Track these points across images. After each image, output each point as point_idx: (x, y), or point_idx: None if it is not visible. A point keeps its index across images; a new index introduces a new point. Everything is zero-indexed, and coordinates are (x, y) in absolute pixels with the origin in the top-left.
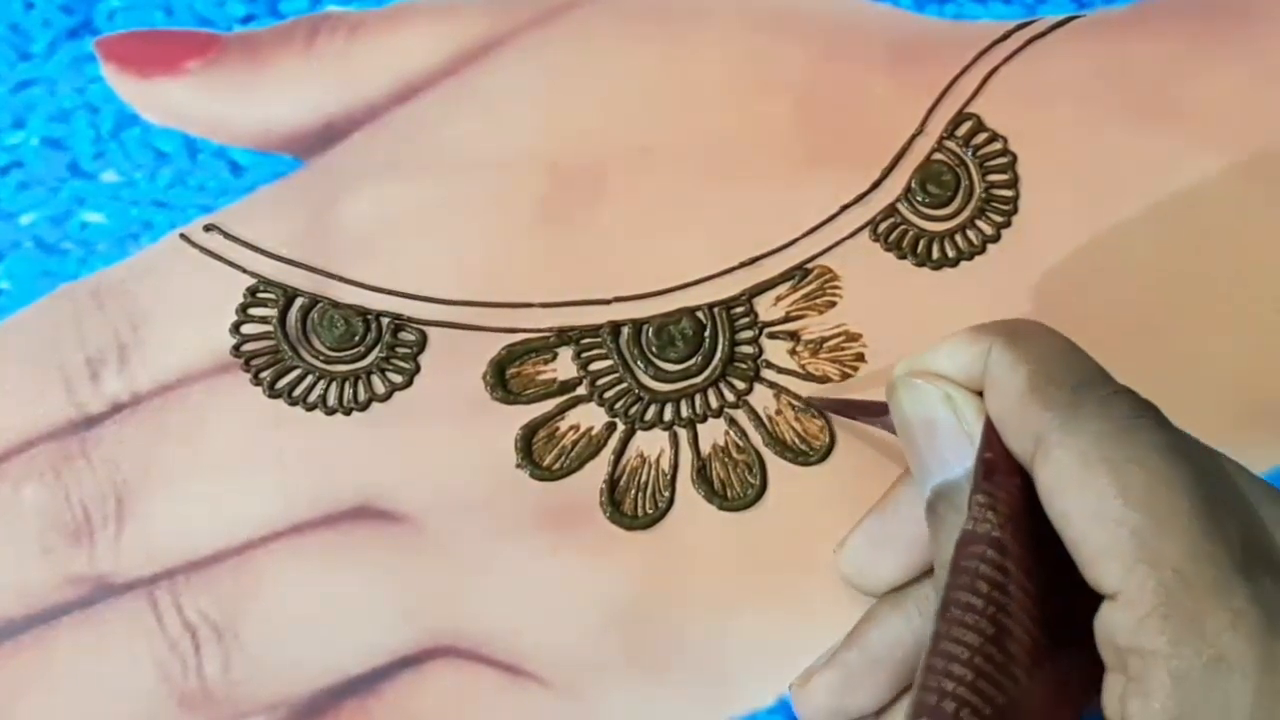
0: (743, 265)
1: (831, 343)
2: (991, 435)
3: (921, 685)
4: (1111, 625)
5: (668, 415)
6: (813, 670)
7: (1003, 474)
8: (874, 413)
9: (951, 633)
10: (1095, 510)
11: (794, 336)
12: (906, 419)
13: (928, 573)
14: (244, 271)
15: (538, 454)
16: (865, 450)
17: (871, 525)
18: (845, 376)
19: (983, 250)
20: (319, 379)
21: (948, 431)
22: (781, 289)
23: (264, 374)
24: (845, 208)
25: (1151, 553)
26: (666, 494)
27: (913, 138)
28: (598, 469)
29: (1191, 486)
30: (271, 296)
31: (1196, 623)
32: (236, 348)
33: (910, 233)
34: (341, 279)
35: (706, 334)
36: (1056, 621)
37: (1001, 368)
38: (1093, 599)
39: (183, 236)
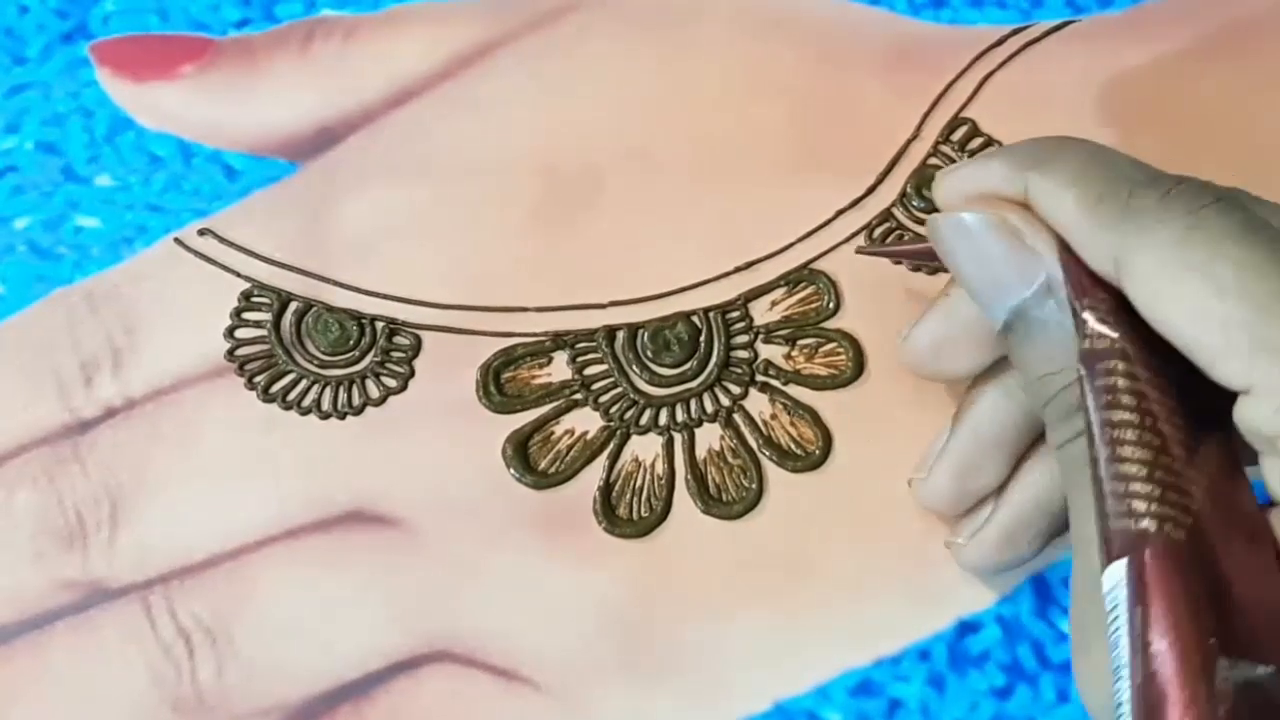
0: (738, 270)
1: (827, 347)
2: (1067, 256)
3: (1111, 514)
4: (1252, 418)
5: (663, 420)
6: (928, 461)
7: (1093, 288)
8: (929, 254)
9: (1119, 453)
10: (1196, 316)
11: (789, 341)
12: (962, 253)
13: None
14: (238, 276)
15: (533, 458)
16: (861, 454)
17: (935, 326)
18: (840, 382)
19: None
20: (313, 383)
21: (1011, 254)
22: (777, 294)
23: (258, 378)
24: (840, 212)
25: (1265, 340)
26: (661, 499)
27: (908, 142)
28: (592, 474)
29: (1278, 260)
30: (266, 301)
31: None
32: (230, 352)
33: (906, 237)
34: (336, 283)
35: (702, 338)
36: (1196, 414)
37: (1047, 198)
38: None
39: (177, 241)
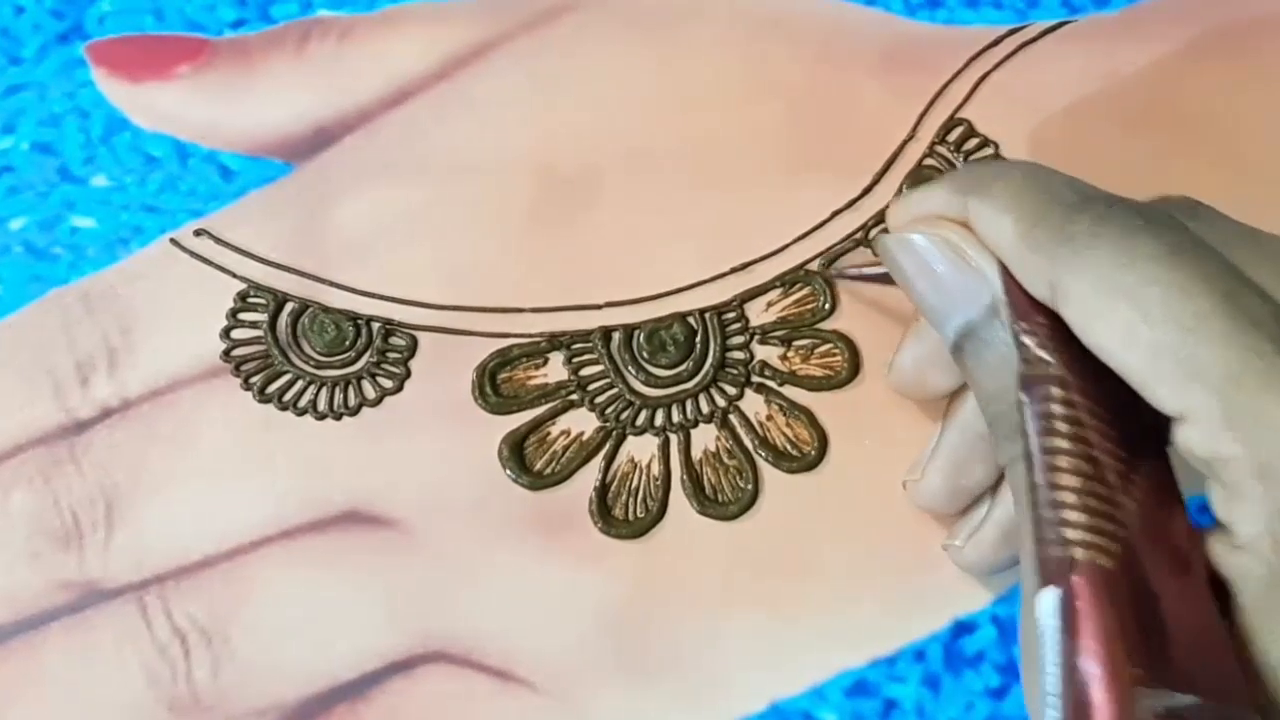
0: (734, 271)
1: (823, 348)
2: (1008, 280)
3: (1040, 541)
4: (1186, 442)
5: (659, 421)
6: (920, 462)
7: (1032, 312)
8: (881, 279)
9: (1054, 480)
10: (1127, 342)
11: (785, 342)
12: (910, 272)
13: None
14: (234, 276)
15: (529, 459)
16: (857, 455)
17: (914, 350)
18: (836, 383)
19: None
20: (309, 384)
21: (956, 273)
22: (773, 294)
23: (254, 379)
24: (837, 213)
25: (1194, 367)
26: (657, 499)
27: (904, 143)
28: (588, 475)
29: (1206, 283)
30: (262, 301)
31: (1263, 416)
32: (226, 352)
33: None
34: (332, 284)
35: (698, 339)
36: (1131, 438)
37: (986, 222)
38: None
39: (173, 241)
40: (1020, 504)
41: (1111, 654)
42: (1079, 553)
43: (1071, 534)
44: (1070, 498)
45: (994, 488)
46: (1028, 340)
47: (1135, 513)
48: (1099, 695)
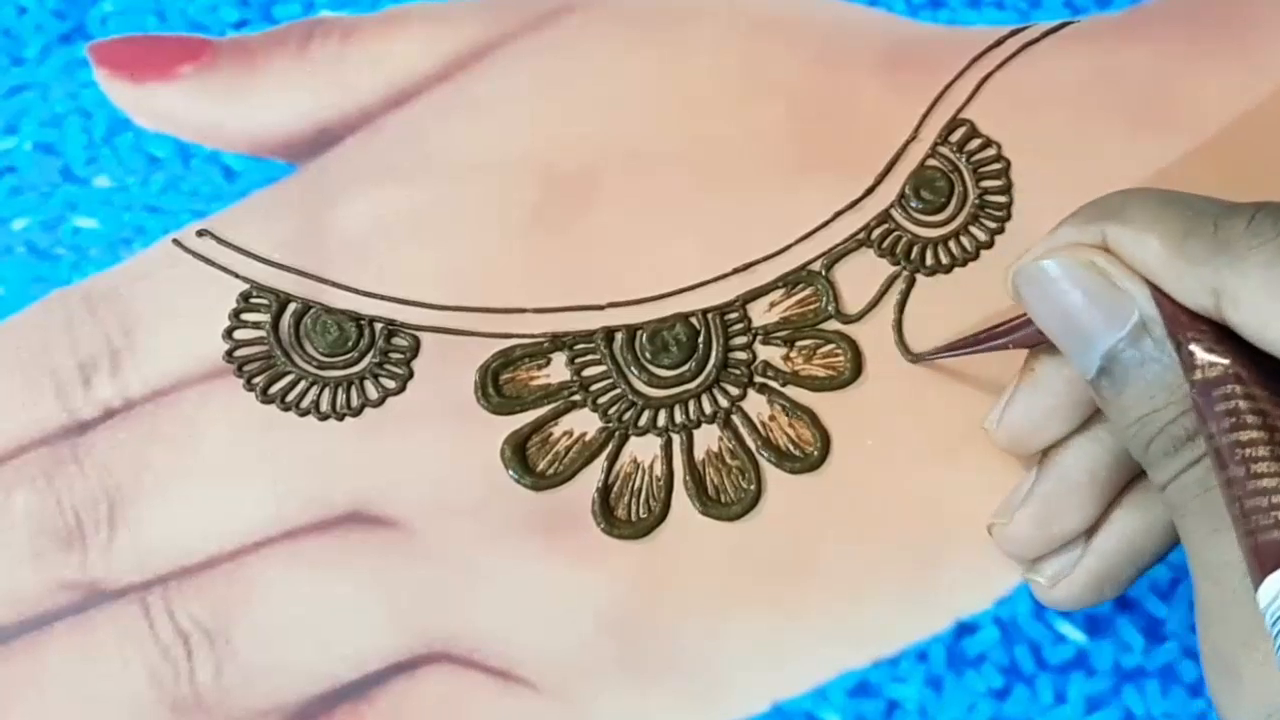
0: (736, 271)
1: (825, 349)
2: (1159, 295)
3: (1251, 531)
4: None
5: (661, 421)
6: (1010, 507)
7: (1192, 322)
8: (990, 339)
9: (1255, 470)
10: None
11: (788, 342)
12: (1048, 304)
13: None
14: (237, 276)
15: (531, 460)
16: (860, 455)
17: (1028, 402)
18: (838, 384)
19: (976, 256)
20: (312, 384)
21: (1100, 296)
22: (775, 295)
23: (256, 379)
24: (839, 214)
25: None
26: (660, 500)
27: (906, 143)
28: (590, 475)
29: None
30: (264, 302)
31: None
32: (229, 353)
33: (904, 239)
34: (334, 284)
35: (700, 340)
36: None
37: (1130, 245)
38: None
39: (175, 242)
40: (1193, 513)
41: None
42: None
43: None
44: (1274, 483)
45: (1087, 535)
46: (1195, 348)
47: None
48: None
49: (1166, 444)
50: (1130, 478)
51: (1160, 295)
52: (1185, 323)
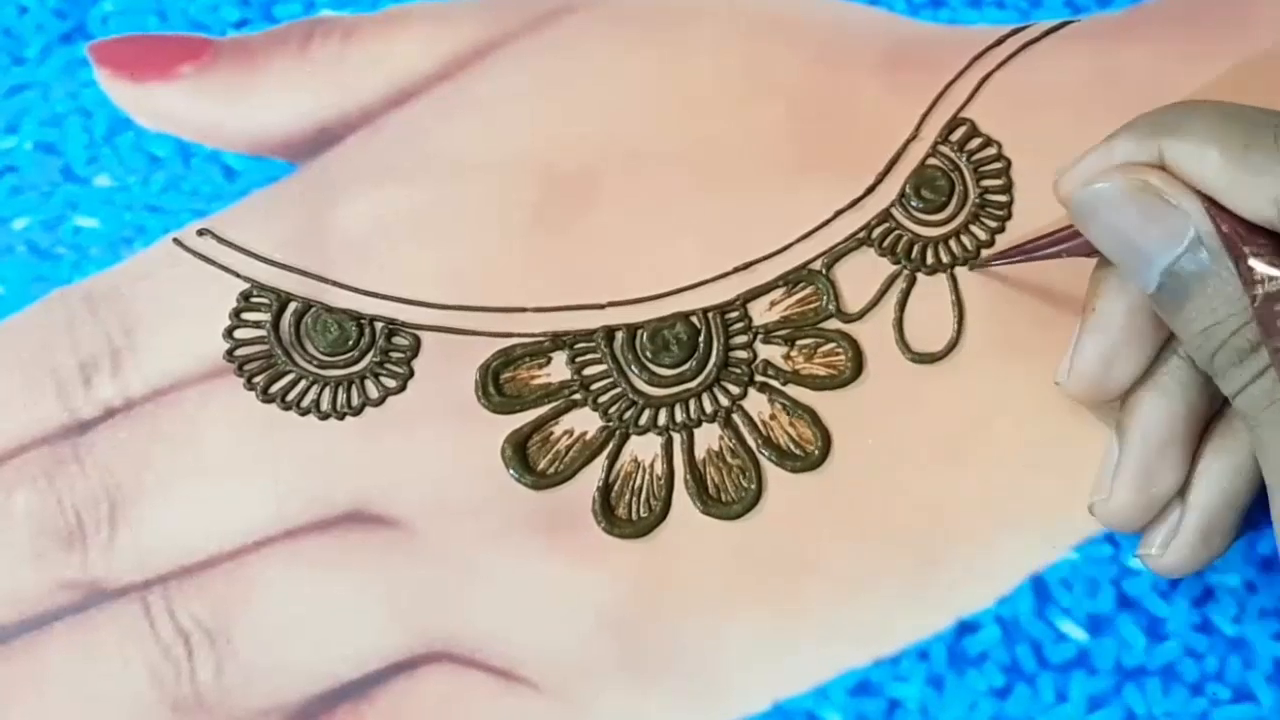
0: (737, 270)
1: (826, 348)
2: (1216, 210)
3: None
4: None
5: (662, 420)
6: (1104, 481)
7: (1250, 235)
8: (1044, 247)
9: None
10: None
11: (789, 341)
12: (1105, 224)
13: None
14: (237, 276)
15: (532, 459)
16: (860, 454)
17: (1095, 342)
18: (839, 383)
19: (977, 255)
20: (312, 384)
21: (1157, 214)
22: (776, 294)
23: (257, 379)
24: (839, 213)
25: None
26: (660, 499)
27: (907, 143)
28: (591, 474)
29: None
30: (265, 301)
31: None
32: (230, 352)
33: (904, 238)
34: (335, 283)
35: (701, 339)
36: None
37: (1188, 159)
38: None
39: (176, 241)
40: (1268, 422)
41: None
42: None
43: None
44: None
45: (1181, 493)
46: (1254, 262)
47: None
48: None
49: (1232, 355)
50: (1204, 425)
51: (1217, 210)
52: (1244, 236)
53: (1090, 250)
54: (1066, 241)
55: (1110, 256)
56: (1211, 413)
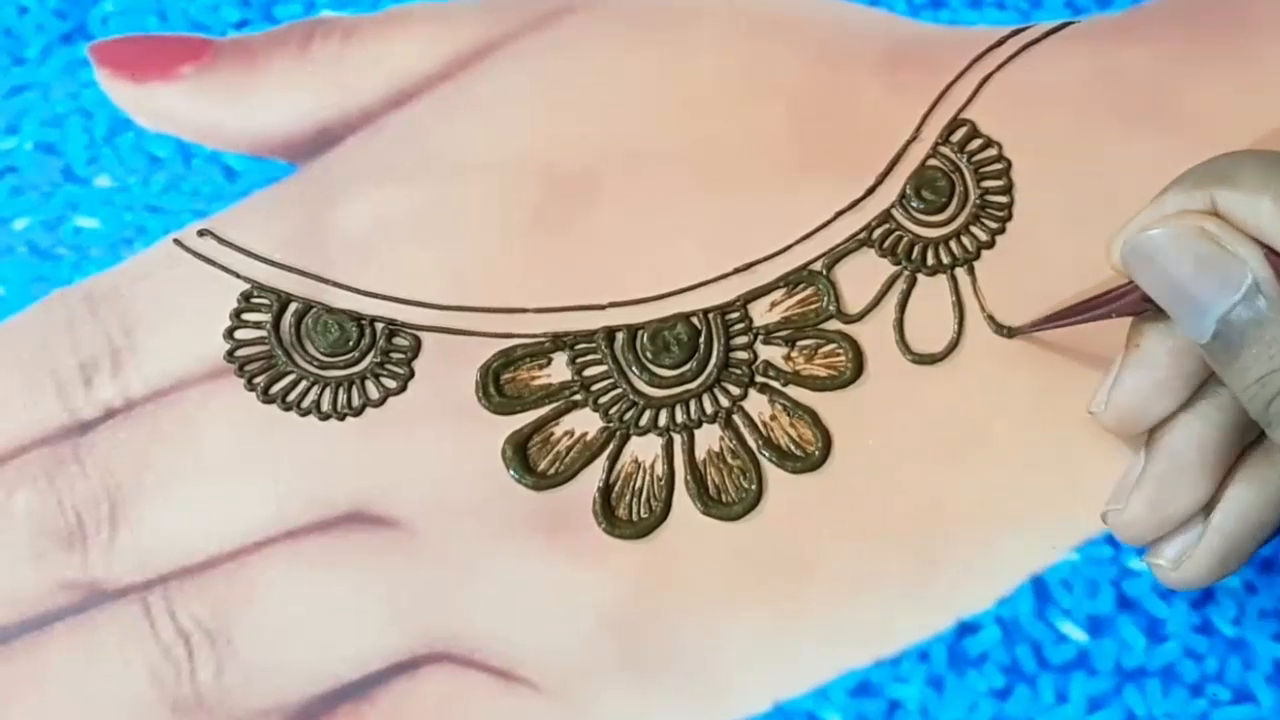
0: (737, 271)
1: (826, 348)
2: (1273, 256)
3: None
4: None
5: (662, 421)
6: (1123, 492)
7: None
8: (1091, 308)
9: None
10: None
11: (789, 342)
12: (1160, 272)
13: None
14: (238, 276)
15: (532, 459)
16: (861, 455)
17: (1136, 379)
18: (839, 383)
19: (977, 256)
20: (313, 384)
21: (1214, 259)
22: (776, 294)
23: (258, 379)
24: (840, 213)
25: None
26: (661, 499)
27: (907, 144)
28: (592, 475)
29: None
30: (265, 301)
31: None
32: (230, 353)
33: (905, 239)
34: (335, 284)
35: (701, 340)
36: None
37: (1241, 207)
38: None
39: (176, 242)
40: None
41: None
42: None
43: None
44: None
45: (1205, 510)
46: None
47: None
48: None
49: None
50: (1239, 453)
51: (1274, 256)
52: None
53: (1139, 309)
54: (1114, 301)
55: (1164, 305)
56: (1246, 442)
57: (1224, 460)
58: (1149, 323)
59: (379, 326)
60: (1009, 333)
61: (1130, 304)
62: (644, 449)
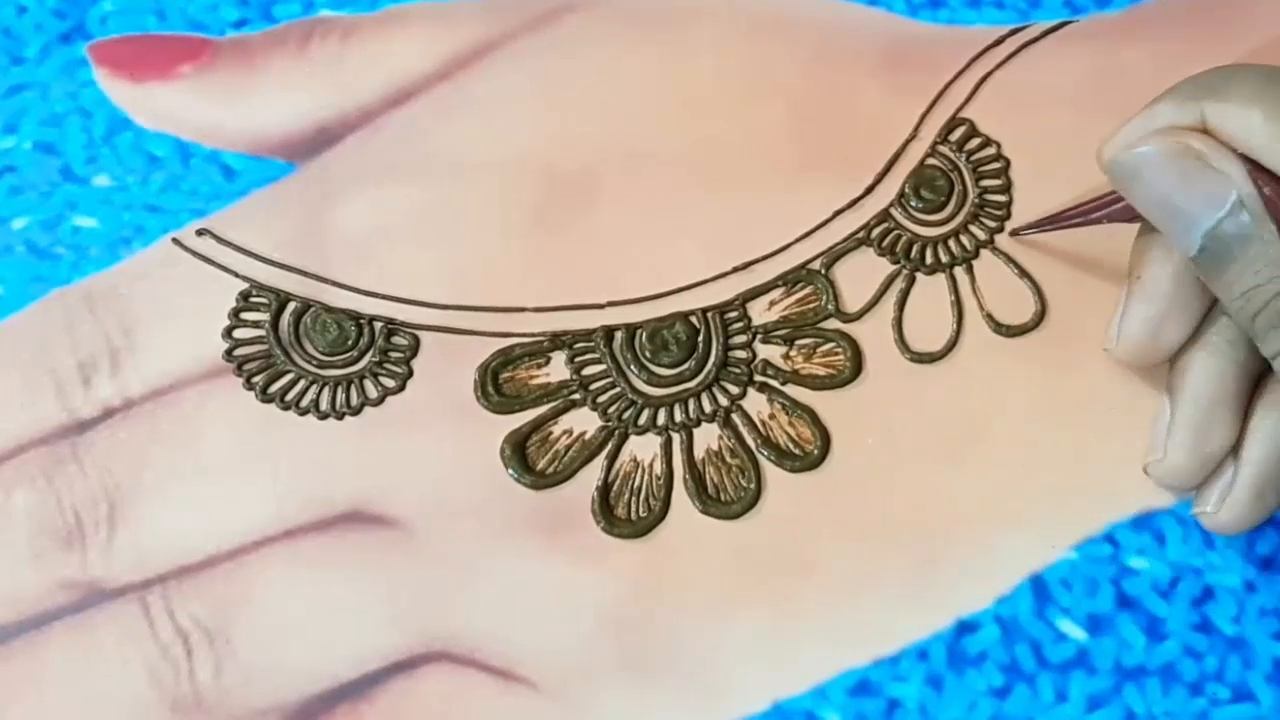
0: (736, 270)
1: (825, 347)
2: (1259, 173)
3: None
4: None
5: (661, 420)
6: (1158, 442)
7: None
8: (1086, 213)
9: None
10: None
11: (788, 341)
12: (1147, 187)
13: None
14: (236, 276)
15: (531, 458)
16: (860, 453)
17: (1141, 309)
18: (838, 382)
19: (976, 255)
20: (311, 384)
21: (1198, 177)
22: (775, 294)
23: (256, 379)
24: (839, 213)
25: None
26: (660, 499)
27: (906, 143)
28: (590, 474)
29: None
30: (264, 301)
31: None
32: (229, 352)
33: (904, 238)
34: (334, 283)
35: (700, 339)
36: None
37: (1231, 120)
38: None
39: (175, 241)
40: None
41: None
42: None
43: None
44: None
45: (1234, 450)
46: None
47: None
48: None
49: (1273, 318)
50: (1255, 382)
51: (1260, 173)
52: None
53: (1131, 216)
54: (1107, 207)
55: (1152, 220)
56: (1261, 369)
57: (1244, 391)
58: (1147, 252)
59: (378, 326)
60: (1012, 233)
61: (1123, 211)
62: (643, 448)
